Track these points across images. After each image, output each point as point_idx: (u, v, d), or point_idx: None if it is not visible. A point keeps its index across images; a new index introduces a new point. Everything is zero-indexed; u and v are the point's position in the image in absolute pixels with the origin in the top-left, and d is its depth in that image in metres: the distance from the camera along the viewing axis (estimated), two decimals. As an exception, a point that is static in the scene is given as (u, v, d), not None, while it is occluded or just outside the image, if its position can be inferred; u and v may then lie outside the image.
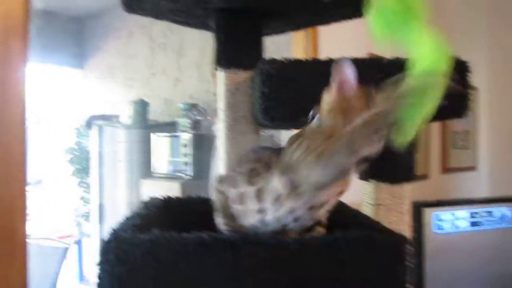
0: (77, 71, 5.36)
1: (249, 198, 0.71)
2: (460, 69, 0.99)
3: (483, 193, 4.01)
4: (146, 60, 4.59)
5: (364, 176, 1.17)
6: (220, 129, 1.09)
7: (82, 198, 4.75)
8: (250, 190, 0.72)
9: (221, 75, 1.09)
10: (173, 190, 3.30)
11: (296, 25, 1.29)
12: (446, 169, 3.35)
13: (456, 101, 1.00)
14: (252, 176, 0.73)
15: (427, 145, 3.03)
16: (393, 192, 1.13)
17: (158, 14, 1.16)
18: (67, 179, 4.87)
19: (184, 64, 4.21)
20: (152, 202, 0.99)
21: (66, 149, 4.78)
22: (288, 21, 1.22)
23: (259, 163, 0.75)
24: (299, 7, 1.10)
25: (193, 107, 3.63)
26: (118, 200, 3.92)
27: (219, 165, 1.11)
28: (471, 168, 3.84)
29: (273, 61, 0.97)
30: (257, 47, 1.12)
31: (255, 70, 1.02)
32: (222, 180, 0.81)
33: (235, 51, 1.08)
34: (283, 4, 1.06)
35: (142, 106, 3.93)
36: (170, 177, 3.60)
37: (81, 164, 4.68)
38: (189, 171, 3.46)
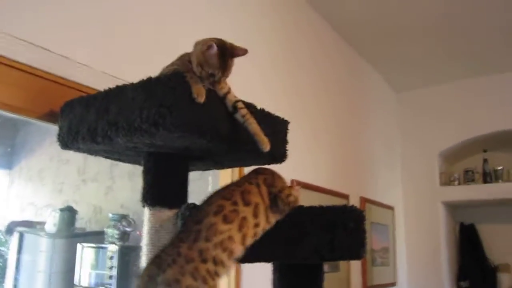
0: (4, 172, 5.20)
1: None
2: (356, 217, 1.14)
3: (404, 309, 4.15)
4: (79, 166, 4.57)
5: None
6: (142, 263, 1.15)
7: (-9, 311, 4.36)
8: None
9: (146, 212, 1.18)
10: (94, 305, 3.15)
11: (221, 165, 1.42)
12: (367, 287, 3.47)
13: (354, 244, 1.15)
14: None
15: (348, 265, 3.17)
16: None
17: (92, 152, 1.26)
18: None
19: (117, 173, 4.24)
20: None
21: (-19, 255, 4.47)
22: (213, 162, 1.36)
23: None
24: (223, 154, 1.25)
25: (122, 217, 3.60)
26: (33, 315, 3.65)
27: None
28: (392, 284, 4.00)
29: (193, 206, 1.08)
30: (182, 186, 1.23)
31: (177, 212, 1.12)
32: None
33: (161, 191, 1.18)
34: (207, 151, 1.20)
35: (69, 214, 3.84)
36: (92, 291, 3.45)
37: (-5, 272, 4.36)
38: (114, 285, 3.35)
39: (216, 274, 0.95)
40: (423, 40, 3.66)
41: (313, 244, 1.11)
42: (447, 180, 4.45)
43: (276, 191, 1.09)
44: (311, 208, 1.16)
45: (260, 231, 1.05)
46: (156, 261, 0.94)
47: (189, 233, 0.97)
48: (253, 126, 1.09)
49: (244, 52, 1.05)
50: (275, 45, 2.74)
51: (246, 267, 2.09)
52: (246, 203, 1.03)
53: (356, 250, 1.15)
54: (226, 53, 1.04)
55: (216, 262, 0.95)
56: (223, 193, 1.06)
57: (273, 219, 1.09)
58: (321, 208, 1.16)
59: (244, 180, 1.10)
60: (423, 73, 4.27)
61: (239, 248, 1.00)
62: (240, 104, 1.10)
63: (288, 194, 1.10)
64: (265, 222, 1.06)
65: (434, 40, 3.65)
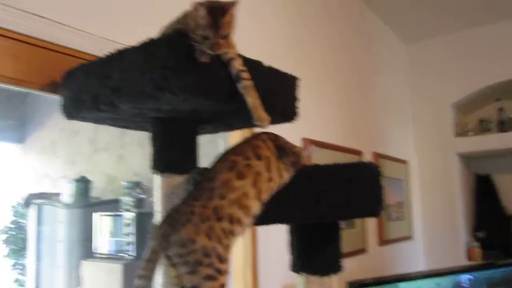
0: (17, 146, 5.24)
1: None
2: (371, 174, 1.11)
3: (420, 261, 4.18)
4: (89, 136, 4.58)
5: (295, 269, 1.24)
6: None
7: (16, 281, 4.49)
8: None
9: (157, 179, 1.16)
10: (115, 271, 3.21)
11: (230, 127, 1.39)
12: (383, 241, 3.49)
13: (371, 201, 1.12)
14: None
15: (363, 221, 3.16)
16: (323, 283, 1.21)
17: (98, 121, 1.23)
18: (2, 261, 4.60)
19: (128, 141, 4.24)
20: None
21: (1, 228, 4.57)
22: (222, 124, 1.32)
23: None
24: (231, 115, 1.20)
25: (136, 185, 3.62)
26: (56, 283, 3.75)
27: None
28: (407, 238, 4.01)
29: (204, 170, 1.06)
30: (192, 151, 1.20)
31: (187, 177, 1.10)
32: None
33: (170, 157, 1.16)
34: (215, 113, 1.16)
35: (84, 184, 3.88)
36: (112, 258, 3.51)
37: (17, 244, 4.46)
38: (132, 251, 3.40)
39: (231, 233, 0.93)
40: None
41: (329, 202, 1.09)
42: (461, 131, 4.38)
43: (281, 144, 1.09)
44: (325, 166, 1.13)
45: (274, 186, 1.03)
46: (169, 220, 0.92)
47: (203, 191, 0.95)
48: (252, 100, 1.02)
49: (233, 4, 0.96)
50: (277, 0, 2.64)
51: (261, 229, 2.09)
52: (258, 157, 1.01)
53: (373, 207, 1.12)
54: (217, 11, 0.95)
55: (232, 220, 0.93)
56: (234, 150, 1.04)
57: (285, 173, 1.07)
58: (335, 166, 1.13)
59: (250, 139, 1.09)
60: (433, 22, 4.12)
61: (256, 204, 0.98)
62: (243, 74, 1.03)
63: (293, 146, 1.10)
64: (278, 176, 1.04)
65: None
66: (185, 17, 1.04)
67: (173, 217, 0.92)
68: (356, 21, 3.62)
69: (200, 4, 0.94)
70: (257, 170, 0.99)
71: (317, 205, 1.08)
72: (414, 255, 4.13)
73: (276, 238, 2.09)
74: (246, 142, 1.07)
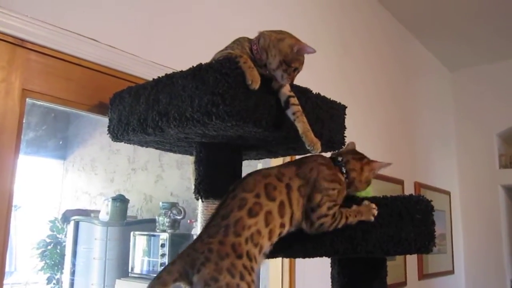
0: (59, 163, 5.38)
1: None
2: (423, 208, 1.05)
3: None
4: (129, 155, 4.66)
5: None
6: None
7: (51, 295, 4.55)
8: None
9: (200, 204, 1.14)
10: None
11: (275, 154, 1.36)
12: (424, 275, 3.35)
13: (421, 237, 1.06)
14: None
15: (404, 252, 3.05)
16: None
17: (143, 144, 1.23)
18: (36, 274, 4.67)
19: (166, 161, 4.28)
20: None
21: (38, 242, 4.65)
22: (267, 151, 1.30)
23: None
24: (278, 142, 1.18)
25: (172, 206, 3.64)
26: (91, 300, 3.77)
27: None
28: (449, 273, 3.85)
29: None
30: (236, 177, 1.18)
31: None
32: None
33: (214, 182, 1.14)
34: (261, 140, 1.14)
35: (121, 203, 3.92)
36: (146, 278, 3.51)
37: (52, 259, 4.54)
38: (166, 272, 3.39)
39: (252, 270, 0.90)
40: (476, 17, 3.43)
41: (378, 236, 1.04)
42: (506, 163, 4.21)
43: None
44: (374, 199, 1.08)
45: (284, 230, 0.99)
46: (186, 258, 0.89)
47: (217, 227, 0.92)
48: (303, 125, 1.02)
49: (313, 51, 1.04)
50: (323, 27, 2.63)
51: (300, 260, 2.03)
52: (271, 198, 0.96)
53: (424, 243, 1.06)
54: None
55: (250, 257, 0.90)
56: (244, 186, 0.98)
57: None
58: (386, 199, 1.08)
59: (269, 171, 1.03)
60: (478, 50, 4.02)
61: (267, 244, 0.95)
62: (293, 100, 1.04)
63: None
64: (288, 221, 0.99)
65: (488, 16, 3.41)
66: (241, 42, 1.05)
67: (190, 255, 0.89)
68: (399, 50, 3.57)
69: (303, 44, 1.03)
70: (268, 209, 0.95)
71: (365, 238, 1.03)
72: (456, 291, 3.95)
73: (314, 270, 2.03)
74: (260, 174, 1.01)
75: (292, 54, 1.02)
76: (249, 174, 1.01)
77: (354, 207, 1.04)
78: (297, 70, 1.03)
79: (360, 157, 1.10)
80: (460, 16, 3.43)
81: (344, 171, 1.06)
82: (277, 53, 1.02)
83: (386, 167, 1.12)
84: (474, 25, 3.56)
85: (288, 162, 1.09)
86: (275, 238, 0.97)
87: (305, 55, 1.05)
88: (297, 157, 1.22)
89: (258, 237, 0.92)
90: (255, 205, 0.94)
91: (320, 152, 1.14)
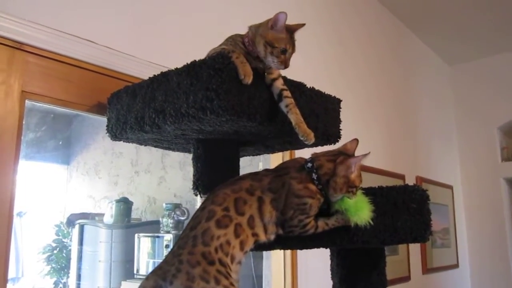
0: (63, 167, 5.40)
1: None
2: (419, 198, 1.06)
3: (467, 291, 3.99)
4: (132, 158, 4.68)
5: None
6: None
7: (58, 299, 4.57)
8: None
9: (199, 201, 1.16)
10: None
11: (272, 149, 1.38)
12: (428, 269, 3.35)
13: (417, 226, 1.07)
14: None
15: (407, 247, 3.06)
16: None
17: (142, 142, 1.25)
18: (42, 279, 4.69)
19: (168, 163, 4.30)
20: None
21: (44, 246, 4.68)
22: (264, 146, 1.32)
23: None
24: (273, 137, 1.20)
25: (176, 207, 3.65)
26: (97, 303, 3.79)
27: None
28: (453, 267, 3.84)
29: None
30: (233, 173, 1.19)
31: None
32: None
33: (212, 178, 1.15)
34: (257, 135, 1.16)
35: (125, 205, 3.94)
36: (151, 279, 3.52)
37: (58, 263, 4.56)
38: (171, 272, 3.41)
39: (229, 274, 0.89)
40: (474, 11, 3.43)
41: (373, 227, 1.05)
42: (509, 156, 4.20)
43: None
44: (370, 189, 1.09)
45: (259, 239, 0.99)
46: (159, 272, 0.89)
47: (187, 238, 0.92)
48: (296, 117, 1.03)
49: (302, 25, 1.02)
50: (319, 23, 2.65)
51: (301, 252, 2.05)
52: (239, 213, 0.96)
53: (420, 232, 1.07)
54: (291, 29, 1.02)
55: (223, 264, 0.90)
56: (213, 199, 0.98)
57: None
58: (381, 189, 1.09)
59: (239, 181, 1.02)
60: (476, 44, 4.02)
61: (240, 255, 0.94)
62: (286, 93, 1.05)
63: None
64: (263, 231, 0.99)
65: (486, 9, 3.41)
66: (234, 38, 1.06)
67: (162, 269, 0.89)
68: (398, 45, 3.58)
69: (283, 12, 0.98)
70: (238, 222, 0.94)
71: (361, 228, 1.05)
72: (460, 285, 3.95)
73: (316, 263, 2.04)
74: (230, 188, 0.99)
75: (271, 33, 1.00)
76: (220, 187, 1.00)
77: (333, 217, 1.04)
78: (285, 51, 1.00)
79: (334, 157, 1.02)
80: (458, 10, 3.44)
81: (315, 178, 1.00)
82: (260, 38, 1.02)
83: (366, 158, 1.01)
84: (472, 18, 3.56)
85: (266, 169, 1.07)
86: (248, 248, 0.96)
87: (299, 48, 1.05)
88: (296, 152, 1.23)
89: (227, 247, 0.92)
90: (224, 218, 0.94)
91: (315, 145, 1.16)
